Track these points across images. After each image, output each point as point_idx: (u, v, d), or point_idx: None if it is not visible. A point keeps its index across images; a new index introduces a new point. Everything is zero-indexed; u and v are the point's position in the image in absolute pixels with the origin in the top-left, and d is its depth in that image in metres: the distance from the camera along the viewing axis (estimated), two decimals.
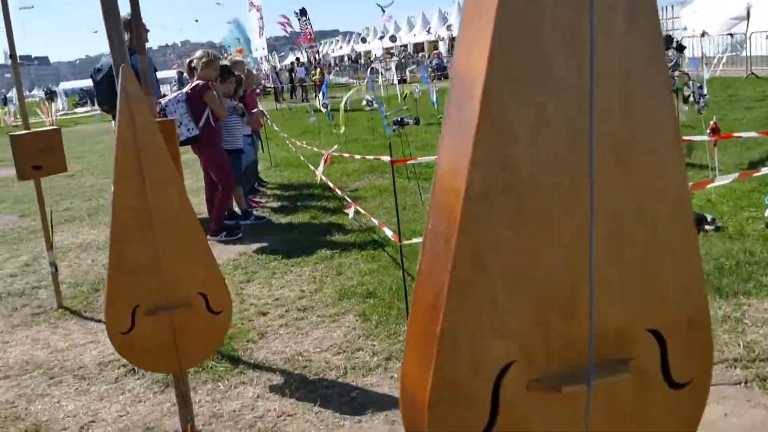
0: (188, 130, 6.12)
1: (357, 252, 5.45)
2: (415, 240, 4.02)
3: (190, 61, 6.30)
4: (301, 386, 3.36)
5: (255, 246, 6.06)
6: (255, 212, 7.25)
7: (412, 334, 1.06)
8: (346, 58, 55.50)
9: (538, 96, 0.91)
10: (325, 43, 67.69)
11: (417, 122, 7.45)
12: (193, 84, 6.26)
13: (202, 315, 2.15)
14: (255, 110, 8.47)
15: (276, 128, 10.78)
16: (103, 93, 6.72)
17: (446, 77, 25.20)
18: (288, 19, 40.77)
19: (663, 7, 34.84)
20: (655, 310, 1.02)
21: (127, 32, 7.06)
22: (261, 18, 21.30)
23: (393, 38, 47.04)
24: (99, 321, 4.58)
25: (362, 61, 47.81)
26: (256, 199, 8.03)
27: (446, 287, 0.88)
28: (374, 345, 3.72)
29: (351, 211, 4.55)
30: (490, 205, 0.88)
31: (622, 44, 0.96)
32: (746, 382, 2.99)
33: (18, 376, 3.81)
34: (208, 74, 6.21)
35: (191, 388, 3.44)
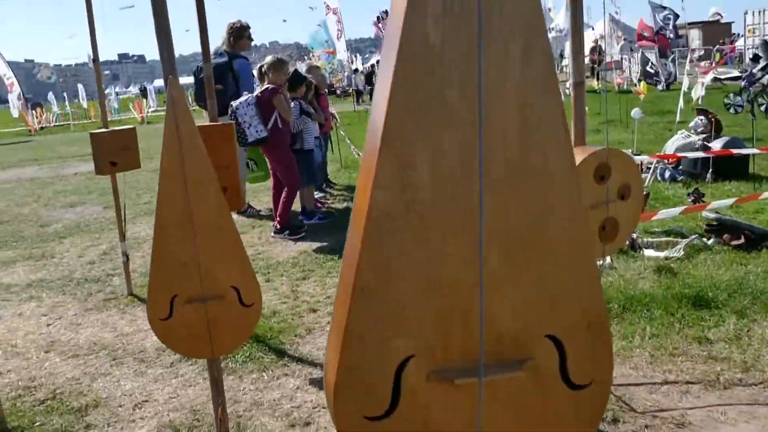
0: (257, 131, 6.41)
1: None
2: None
3: (261, 66, 6.59)
4: None
5: (316, 245, 6.27)
6: (320, 212, 7.47)
7: (333, 324, 1.18)
8: None
9: (434, 126, 1.02)
10: None
11: None
12: (263, 88, 6.55)
13: (234, 307, 2.33)
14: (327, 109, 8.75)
15: (342, 132, 11.02)
16: (199, 90, 7.27)
17: None
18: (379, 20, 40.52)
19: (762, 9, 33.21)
20: (552, 317, 1.11)
21: (230, 37, 7.56)
22: (339, 21, 21.69)
23: None
24: None
25: None
26: (322, 200, 8.27)
27: (351, 290, 1.00)
28: None
29: None
30: (393, 221, 1.00)
31: (516, 77, 1.05)
32: None
33: (86, 355, 4.14)
34: (277, 78, 6.48)
35: (238, 377, 3.67)
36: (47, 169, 14.32)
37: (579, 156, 2.50)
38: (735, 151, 7.12)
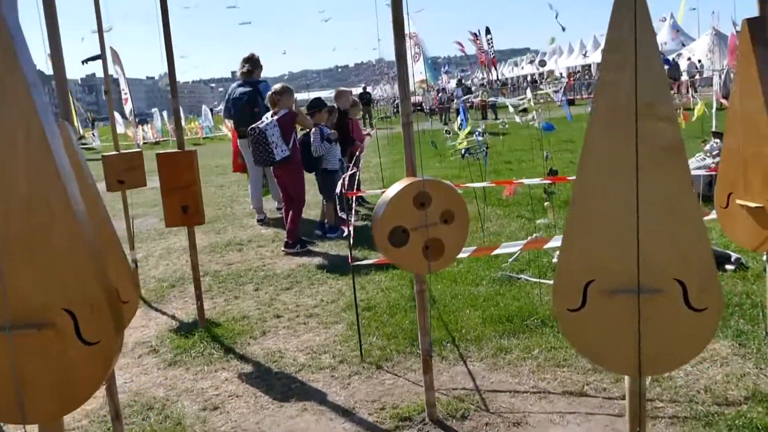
0: (282, 151, 7.09)
1: (390, 270, 6.01)
2: (366, 261, 4.53)
3: (271, 94, 7.28)
4: (261, 375, 4.07)
5: (317, 260, 6.83)
6: (330, 227, 8.02)
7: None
8: (528, 78, 55.02)
9: None
10: (511, 62, 67.91)
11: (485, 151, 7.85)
12: (282, 113, 7.22)
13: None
14: (364, 137, 9.40)
15: (372, 153, 11.57)
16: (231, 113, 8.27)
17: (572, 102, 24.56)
18: (476, 36, 40.65)
19: None
20: (64, 296, 1.65)
21: (247, 65, 8.50)
22: (416, 45, 22.32)
23: (542, 63, 46.27)
24: (158, 310, 5.60)
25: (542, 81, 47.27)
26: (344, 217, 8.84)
27: None
28: (340, 350, 4.33)
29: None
30: None
31: None
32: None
33: None
34: (288, 102, 7.17)
35: (186, 368, 4.28)
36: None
37: (402, 184, 2.94)
38: None
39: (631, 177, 1.75)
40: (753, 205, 2.90)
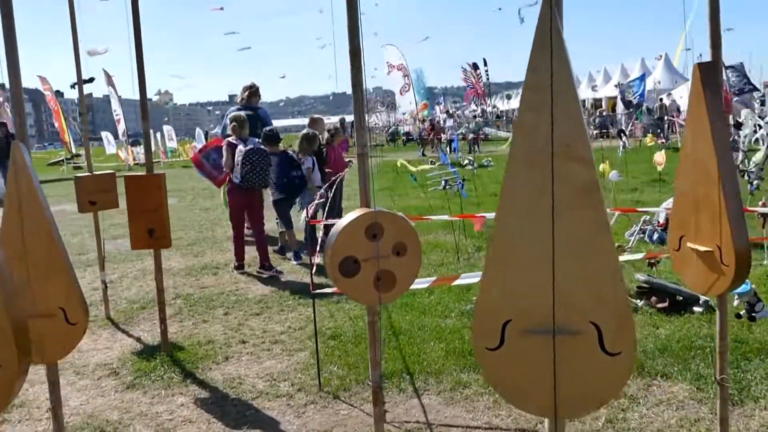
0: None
1: None
2: (327, 290, 4.52)
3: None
4: (217, 401, 4.04)
5: (290, 286, 6.81)
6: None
7: None
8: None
9: None
10: (504, 95, 68.40)
11: (461, 185, 7.91)
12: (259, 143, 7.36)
13: (63, 325, 2.92)
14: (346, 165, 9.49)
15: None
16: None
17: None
18: (475, 68, 40.80)
19: None
20: None
21: (249, 95, 8.95)
22: (406, 75, 22.58)
23: None
24: (125, 332, 5.56)
25: None
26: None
27: None
28: (300, 378, 4.31)
29: None
30: None
31: None
32: None
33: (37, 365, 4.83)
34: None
35: (143, 392, 4.25)
36: None
37: (355, 215, 2.96)
38: None
39: (547, 217, 1.77)
40: (703, 248, 2.92)
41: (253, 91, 9.17)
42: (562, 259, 1.80)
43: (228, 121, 7.80)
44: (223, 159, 7.41)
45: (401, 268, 3.03)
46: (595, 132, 27.36)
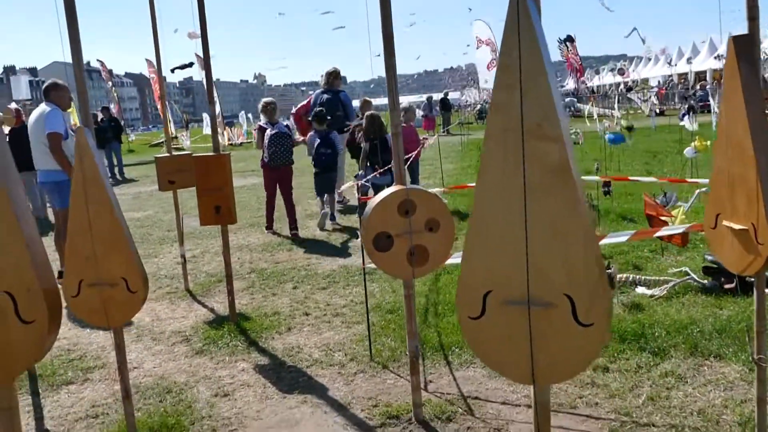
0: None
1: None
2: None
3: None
4: (275, 368, 4.31)
5: (359, 262, 7.02)
6: None
7: None
8: (620, 87, 53.00)
9: None
10: (603, 69, 65.89)
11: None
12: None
13: (122, 292, 3.21)
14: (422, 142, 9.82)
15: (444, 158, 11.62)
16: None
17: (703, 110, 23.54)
18: (565, 43, 39.73)
19: None
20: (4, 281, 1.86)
21: (330, 78, 10.16)
22: (493, 51, 22.16)
23: (621, 71, 44.81)
24: (201, 303, 5.95)
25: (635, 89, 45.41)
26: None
27: None
28: (354, 349, 4.51)
29: None
30: None
31: None
32: None
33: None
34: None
35: (210, 357, 4.56)
36: None
37: (388, 192, 3.10)
38: None
39: (520, 195, 1.84)
40: (738, 227, 2.87)
41: (334, 75, 10.23)
42: (536, 235, 1.87)
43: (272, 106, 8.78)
44: (255, 140, 8.64)
45: (434, 243, 3.15)
46: (691, 106, 26.11)
